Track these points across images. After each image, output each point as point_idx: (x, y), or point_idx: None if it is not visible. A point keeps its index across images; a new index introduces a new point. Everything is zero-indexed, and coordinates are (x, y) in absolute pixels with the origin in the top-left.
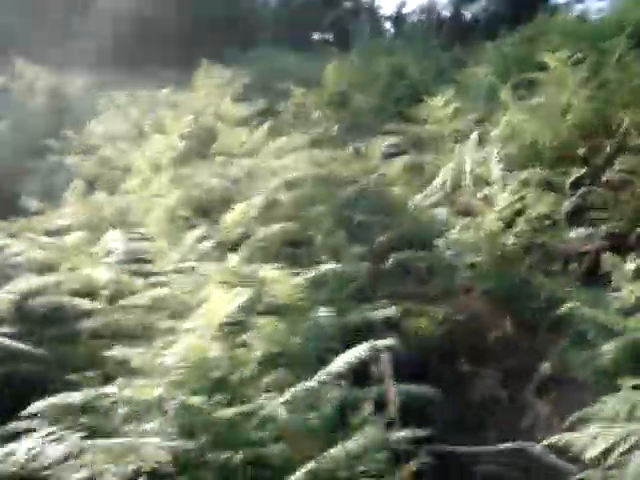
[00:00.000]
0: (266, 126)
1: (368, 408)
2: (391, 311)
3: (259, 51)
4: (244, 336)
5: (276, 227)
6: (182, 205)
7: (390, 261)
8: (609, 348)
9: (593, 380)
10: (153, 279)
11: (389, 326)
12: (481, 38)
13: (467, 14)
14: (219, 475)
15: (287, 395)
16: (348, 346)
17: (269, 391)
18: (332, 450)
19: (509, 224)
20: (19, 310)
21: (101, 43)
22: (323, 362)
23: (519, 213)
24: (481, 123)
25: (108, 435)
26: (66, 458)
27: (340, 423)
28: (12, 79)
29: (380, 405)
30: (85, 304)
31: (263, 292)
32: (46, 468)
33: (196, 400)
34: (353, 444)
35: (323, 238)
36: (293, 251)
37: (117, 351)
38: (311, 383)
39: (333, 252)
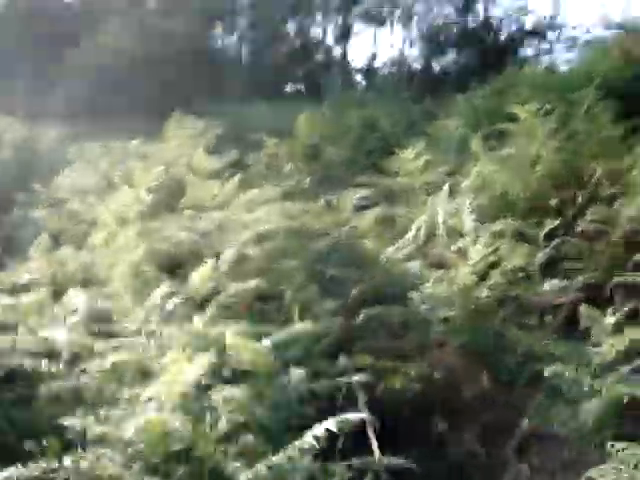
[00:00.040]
0: (237, 178)
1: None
2: (363, 376)
3: (231, 102)
4: (207, 405)
5: (246, 284)
6: (148, 260)
7: (362, 316)
8: (590, 407)
9: (575, 437)
10: (115, 341)
11: (362, 384)
12: (451, 90)
13: (437, 67)
14: None
15: (249, 474)
16: (320, 411)
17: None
18: None
19: (483, 277)
20: None
21: (74, 94)
22: (293, 430)
23: (493, 266)
24: (452, 175)
25: None
26: None
27: None
28: None
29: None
30: (42, 367)
31: (227, 357)
32: None
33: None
34: None
35: (294, 293)
36: (263, 307)
37: (75, 420)
38: (278, 458)
39: (305, 307)
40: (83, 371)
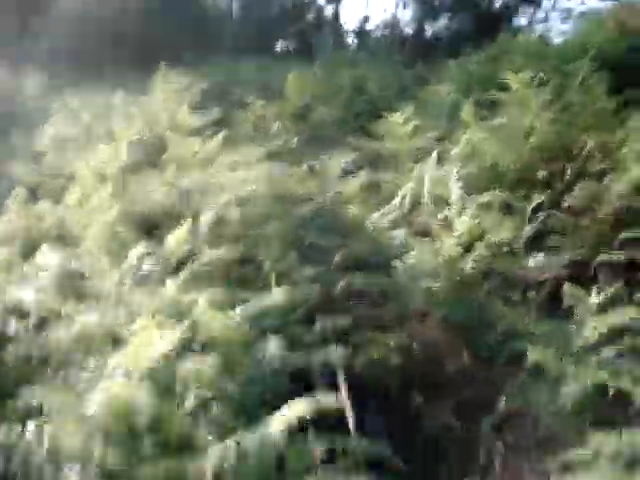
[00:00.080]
0: (221, 136)
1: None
2: (341, 349)
3: (220, 58)
4: (175, 378)
5: (222, 251)
6: (122, 221)
7: (343, 284)
8: (569, 391)
9: (552, 417)
10: (84, 305)
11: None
12: (443, 56)
13: (429, 32)
14: None
15: (212, 457)
16: (296, 383)
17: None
18: None
19: (468, 248)
20: None
21: (59, 44)
22: (268, 405)
23: (478, 238)
24: (442, 141)
25: None
26: None
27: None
28: None
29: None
30: (10, 328)
31: (199, 327)
32: None
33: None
34: None
35: (274, 259)
36: (241, 272)
37: (35, 391)
38: (249, 436)
39: (283, 274)
40: (51, 335)
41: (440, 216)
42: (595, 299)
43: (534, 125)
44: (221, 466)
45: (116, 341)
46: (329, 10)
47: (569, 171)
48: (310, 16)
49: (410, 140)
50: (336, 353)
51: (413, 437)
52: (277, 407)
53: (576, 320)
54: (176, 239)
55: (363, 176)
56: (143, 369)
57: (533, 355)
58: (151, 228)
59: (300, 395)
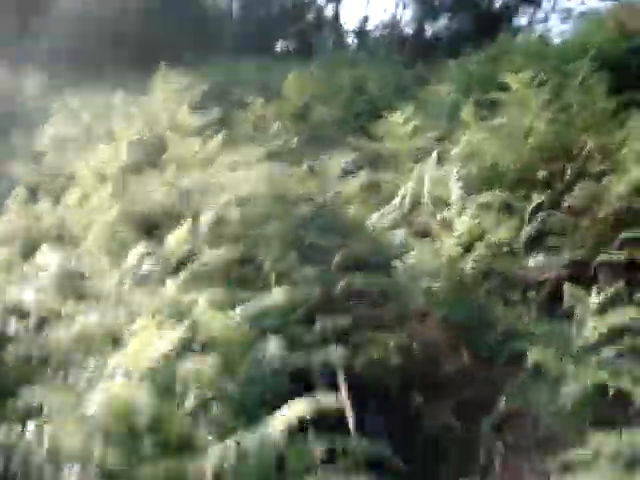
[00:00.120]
0: (221, 136)
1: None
2: (341, 349)
3: (220, 58)
4: (175, 378)
5: (222, 251)
6: (122, 222)
7: (343, 284)
8: (570, 391)
9: (552, 417)
10: (84, 305)
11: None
12: (443, 56)
13: (429, 32)
14: None
15: (212, 457)
16: (296, 383)
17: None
18: None
19: (467, 248)
20: None
21: (59, 44)
22: (268, 405)
23: (479, 238)
24: (441, 141)
25: None
26: None
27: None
28: None
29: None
30: (10, 328)
31: (198, 327)
32: None
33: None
34: None
35: (274, 259)
36: (241, 272)
37: (36, 392)
38: (249, 436)
39: (283, 274)
40: (50, 335)
41: (440, 216)
42: (595, 299)
43: (534, 125)
44: (221, 466)
45: (116, 341)
46: (329, 10)
47: (569, 171)
48: (310, 16)
49: (410, 140)
50: (336, 353)
51: (413, 437)
52: (277, 407)
53: (576, 320)
54: (176, 239)
55: (363, 176)
56: (143, 369)
57: (533, 355)
58: (151, 228)
59: (300, 395)
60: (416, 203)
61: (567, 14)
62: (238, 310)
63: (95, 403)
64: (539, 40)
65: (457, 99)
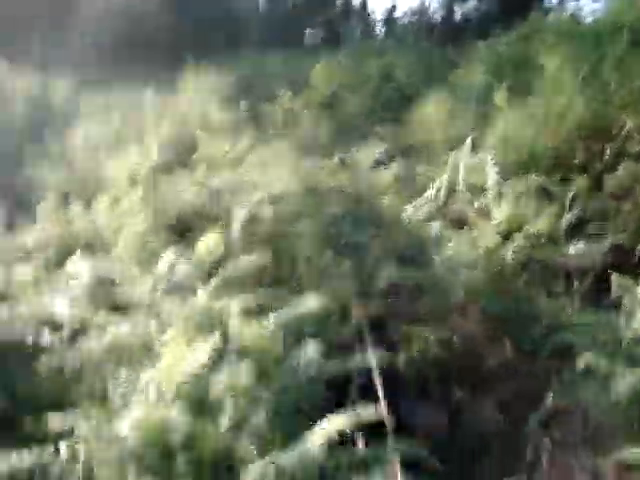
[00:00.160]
0: (251, 134)
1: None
2: (377, 352)
3: (248, 52)
4: (209, 394)
5: (255, 255)
6: (153, 228)
7: (381, 280)
8: (622, 386)
9: (600, 414)
10: (115, 316)
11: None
12: (473, 38)
13: (458, 14)
14: None
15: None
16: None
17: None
18: None
19: (506, 237)
20: None
21: (89, 44)
22: (303, 412)
23: (518, 227)
24: (474, 127)
25: None
26: None
27: None
28: None
29: None
30: (44, 339)
31: (231, 335)
32: None
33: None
34: None
35: (308, 257)
36: (275, 274)
37: (66, 418)
38: (286, 456)
39: (319, 273)
40: (83, 346)
41: (477, 204)
42: None
43: (570, 105)
44: None
45: (148, 351)
46: (357, 0)
47: (608, 152)
48: (338, 5)
49: (442, 127)
50: (373, 354)
51: (454, 432)
52: (313, 415)
53: (625, 311)
54: (207, 244)
55: (395, 167)
56: (176, 384)
57: (585, 359)
58: (183, 230)
59: (335, 403)
60: (452, 191)
61: None
62: (272, 318)
63: (127, 426)
64: (571, 19)
65: (487, 81)
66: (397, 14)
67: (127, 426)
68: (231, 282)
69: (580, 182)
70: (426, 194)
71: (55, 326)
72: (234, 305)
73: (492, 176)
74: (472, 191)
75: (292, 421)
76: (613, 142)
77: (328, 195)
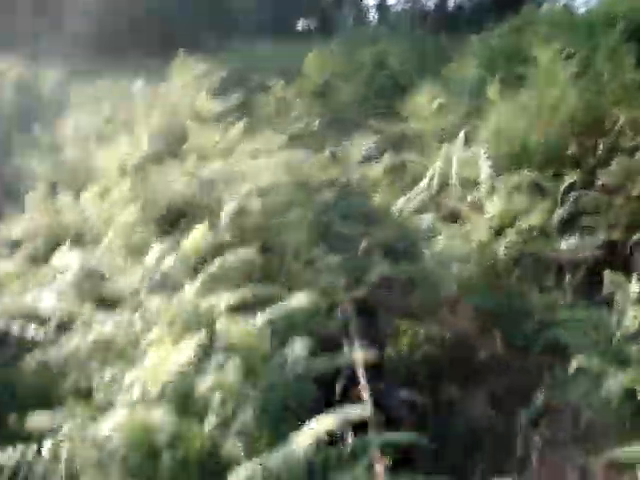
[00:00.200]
0: (241, 124)
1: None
2: (370, 354)
3: (239, 41)
4: (195, 392)
5: (243, 251)
6: (142, 219)
7: (371, 274)
8: (614, 384)
9: (591, 411)
10: (101, 314)
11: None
12: (465, 28)
13: (451, 1)
14: None
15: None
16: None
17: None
18: None
19: (498, 232)
20: None
21: (78, 33)
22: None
23: (510, 223)
24: (467, 120)
25: None
26: None
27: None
28: None
29: None
30: (29, 333)
31: (218, 333)
32: None
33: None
34: None
35: (297, 249)
36: (264, 268)
37: (50, 416)
38: (273, 458)
39: (308, 266)
40: (68, 342)
41: (469, 198)
42: (636, 287)
43: (563, 98)
44: None
45: (134, 349)
46: None
47: (601, 146)
48: None
49: (435, 119)
50: (360, 348)
51: (445, 428)
52: (300, 414)
53: (617, 309)
54: (195, 237)
55: (387, 159)
56: (162, 383)
57: (578, 361)
58: (173, 221)
59: (322, 400)
60: (444, 185)
61: None
62: (259, 315)
63: (111, 426)
64: (564, 10)
65: (480, 75)
66: (390, 1)
67: (111, 426)
68: (218, 278)
69: (573, 177)
70: (419, 185)
71: (41, 320)
72: (221, 301)
73: (485, 170)
74: (465, 185)
75: (280, 419)
76: (606, 137)
77: (318, 187)
